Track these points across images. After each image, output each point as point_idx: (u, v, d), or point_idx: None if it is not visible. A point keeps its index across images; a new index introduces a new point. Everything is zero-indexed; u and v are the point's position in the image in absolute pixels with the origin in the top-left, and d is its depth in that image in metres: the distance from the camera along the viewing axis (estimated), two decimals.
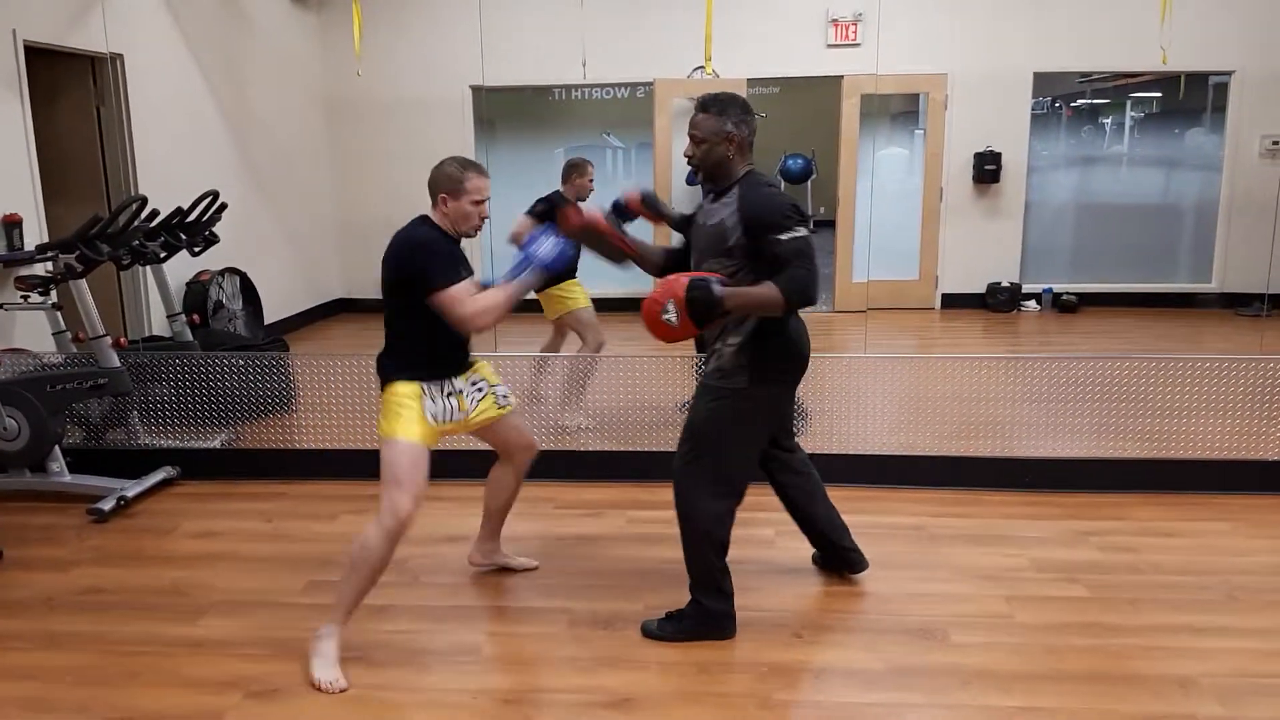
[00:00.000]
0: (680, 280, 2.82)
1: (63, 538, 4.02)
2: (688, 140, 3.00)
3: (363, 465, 4.59)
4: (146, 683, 2.89)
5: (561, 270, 2.98)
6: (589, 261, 3.72)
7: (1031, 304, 9.17)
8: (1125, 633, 3.10)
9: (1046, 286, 9.20)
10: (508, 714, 2.72)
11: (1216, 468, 4.32)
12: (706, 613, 3.07)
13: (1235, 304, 8.88)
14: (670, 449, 4.55)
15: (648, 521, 4.07)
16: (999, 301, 9.06)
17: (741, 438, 3.00)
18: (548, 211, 4.85)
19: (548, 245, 2.95)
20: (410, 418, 2.92)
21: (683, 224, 3.65)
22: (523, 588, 3.50)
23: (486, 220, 3.02)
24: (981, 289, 9.15)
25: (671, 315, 2.81)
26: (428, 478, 2.94)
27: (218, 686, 2.86)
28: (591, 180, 5.26)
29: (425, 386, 2.97)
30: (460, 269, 2.91)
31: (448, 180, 2.95)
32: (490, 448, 3.40)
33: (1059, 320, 8.79)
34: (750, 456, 3.07)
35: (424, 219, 3.00)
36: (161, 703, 2.79)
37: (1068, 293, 9.13)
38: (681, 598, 3.32)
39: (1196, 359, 4.48)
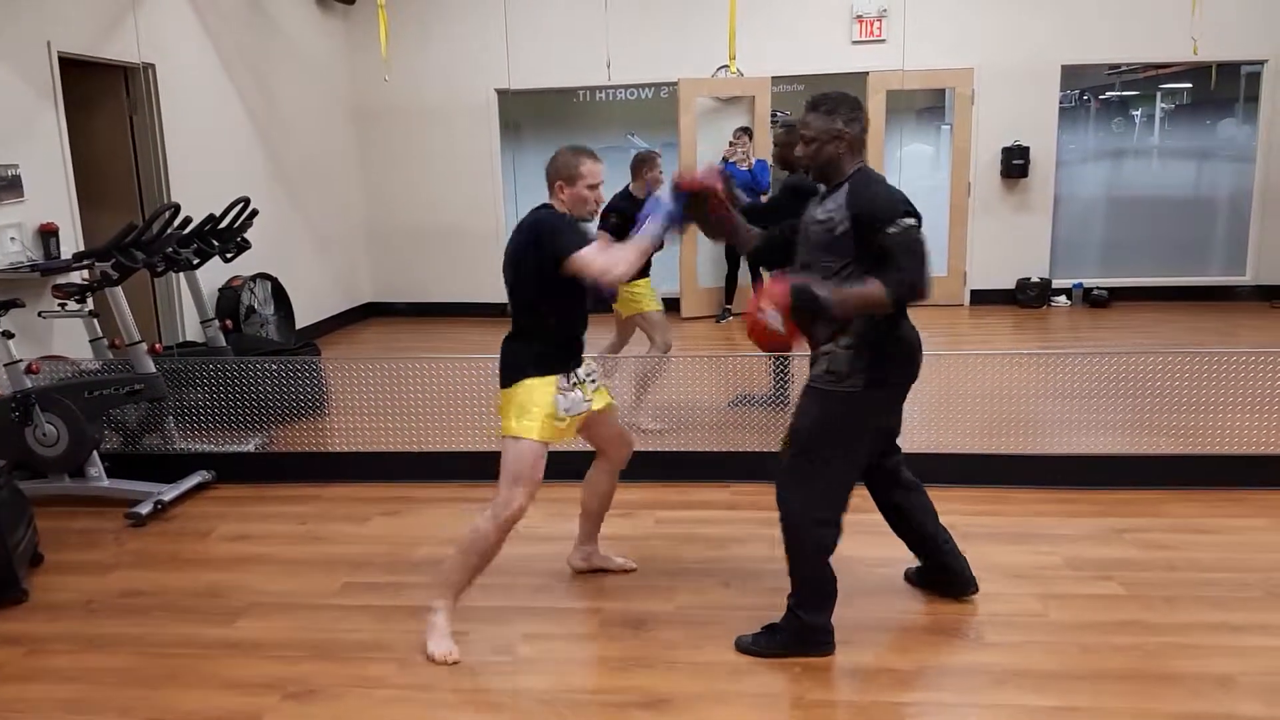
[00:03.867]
0: (781, 286, 2.74)
1: (102, 542, 4.08)
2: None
3: (395, 467, 4.66)
4: (186, 684, 2.94)
5: (682, 223, 3.03)
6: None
7: (1062, 299, 9.09)
8: (1162, 631, 3.07)
9: (1077, 281, 9.12)
10: (544, 714, 2.74)
11: (1253, 463, 4.26)
12: (803, 627, 2.97)
13: (1271, 296, 8.78)
14: (698, 449, 4.63)
15: (678, 522, 4.08)
16: (1029, 297, 8.99)
17: (852, 444, 2.94)
18: (621, 224, 4.73)
19: (666, 208, 2.97)
20: (539, 416, 2.99)
21: (752, 216, 3.62)
22: (556, 589, 3.51)
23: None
24: (1011, 284, 9.09)
25: (777, 323, 2.74)
26: (542, 475, 3.05)
27: (256, 688, 2.90)
28: (661, 172, 5.12)
29: (559, 380, 3.04)
30: (586, 235, 3.00)
31: (564, 168, 3.03)
32: (586, 446, 3.43)
33: (1090, 315, 8.70)
34: (858, 463, 3.00)
35: (544, 206, 3.08)
36: (201, 704, 2.82)
37: (1098, 287, 9.05)
38: (711, 598, 3.34)
39: (1231, 353, 4.43)
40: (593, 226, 3.40)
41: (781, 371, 4.83)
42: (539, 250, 2.96)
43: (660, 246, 3.05)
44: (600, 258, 2.91)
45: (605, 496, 3.47)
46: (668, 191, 3.00)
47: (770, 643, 3.01)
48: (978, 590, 3.31)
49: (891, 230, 2.72)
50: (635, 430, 4.84)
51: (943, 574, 3.32)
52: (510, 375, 3.06)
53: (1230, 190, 9.16)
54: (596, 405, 3.19)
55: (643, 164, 5.15)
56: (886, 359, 2.87)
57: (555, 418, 3.02)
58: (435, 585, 3.14)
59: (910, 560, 3.41)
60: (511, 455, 3.01)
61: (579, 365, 3.14)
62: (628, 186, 5.18)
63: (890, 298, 2.72)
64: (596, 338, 5.61)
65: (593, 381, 3.20)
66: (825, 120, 2.88)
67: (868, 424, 2.96)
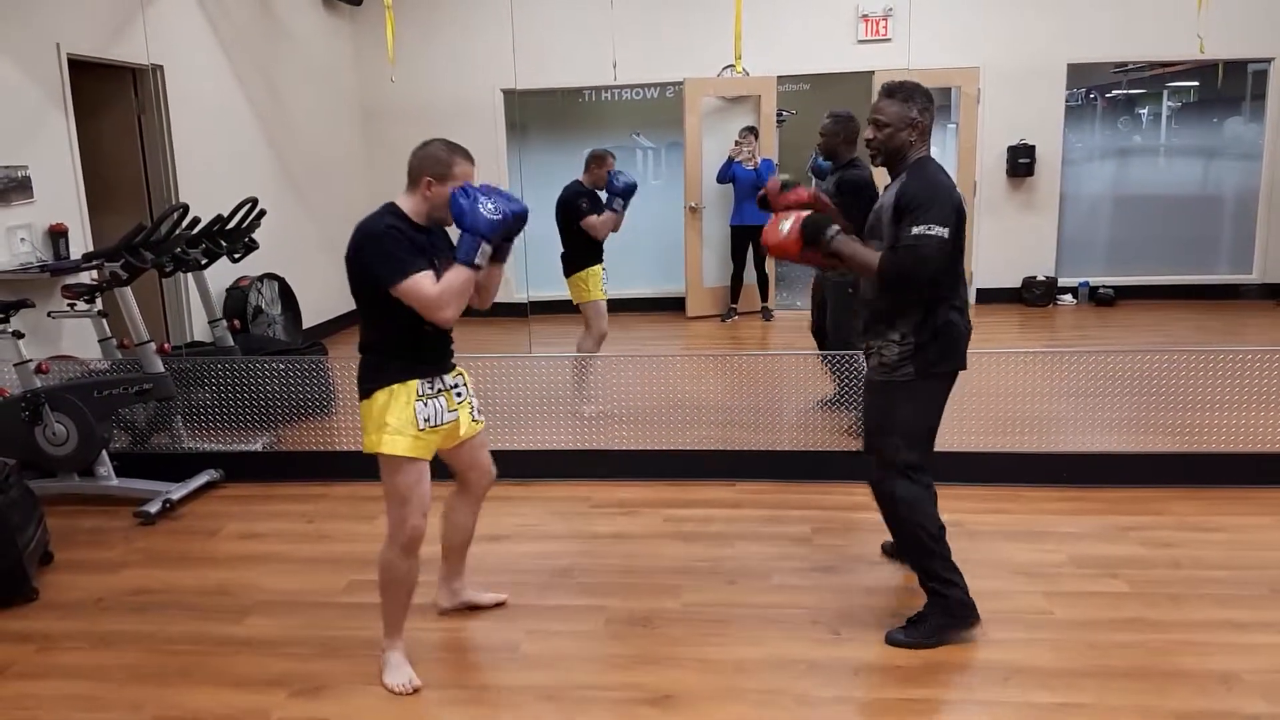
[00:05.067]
0: (804, 212, 3.02)
1: (111, 540, 4.11)
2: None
3: None
4: (195, 681, 2.96)
5: (509, 230, 2.69)
6: (640, 263, 3.69)
7: (1068, 298, 9.08)
8: (1167, 628, 3.08)
9: (1083, 280, 9.10)
10: (548, 711, 2.75)
11: (1258, 461, 4.26)
12: (948, 603, 3.01)
13: (1278, 295, 8.75)
14: (704, 448, 4.63)
15: (683, 520, 4.09)
16: (1035, 296, 8.98)
17: (917, 425, 3.02)
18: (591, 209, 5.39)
19: (486, 209, 2.63)
20: (399, 428, 2.74)
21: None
22: (560, 586, 3.53)
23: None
24: (1017, 283, 9.07)
25: (785, 227, 3.00)
26: (429, 489, 2.82)
27: (264, 685, 2.92)
28: (609, 171, 5.43)
29: (419, 386, 2.78)
30: (417, 257, 2.66)
31: (436, 164, 2.73)
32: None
33: (1096, 314, 8.69)
34: (927, 441, 3.07)
35: (389, 208, 2.76)
36: (210, 701, 2.84)
37: (1105, 286, 9.03)
38: (717, 596, 3.35)
39: (1237, 351, 4.42)
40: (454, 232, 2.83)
41: (841, 372, 4.74)
42: (361, 267, 2.70)
43: (478, 269, 2.66)
44: (431, 291, 2.62)
45: (465, 531, 3.18)
46: (486, 200, 2.65)
47: (924, 631, 3.02)
48: None
49: (916, 230, 2.79)
50: (578, 417, 4.95)
51: None
52: (364, 387, 2.80)
53: (1237, 189, 9.13)
54: (463, 419, 2.92)
55: (593, 160, 5.49)
56: (936, 350, 2.93)
57: (416, 431, 2.75)
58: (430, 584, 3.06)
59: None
60: (388, 474, 2.78)
61: (445, 372, 2.88)
62: (578, 180, 5.53)
63: (880, 273, 2.86)
64: (565, 339, 5.70)
65: (458, 395, 2.91)
66: (901, 107, 2.95)
67: (927, 408, 3.02)
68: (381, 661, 2.94)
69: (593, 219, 5.37)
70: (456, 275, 2.66)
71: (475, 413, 3.02)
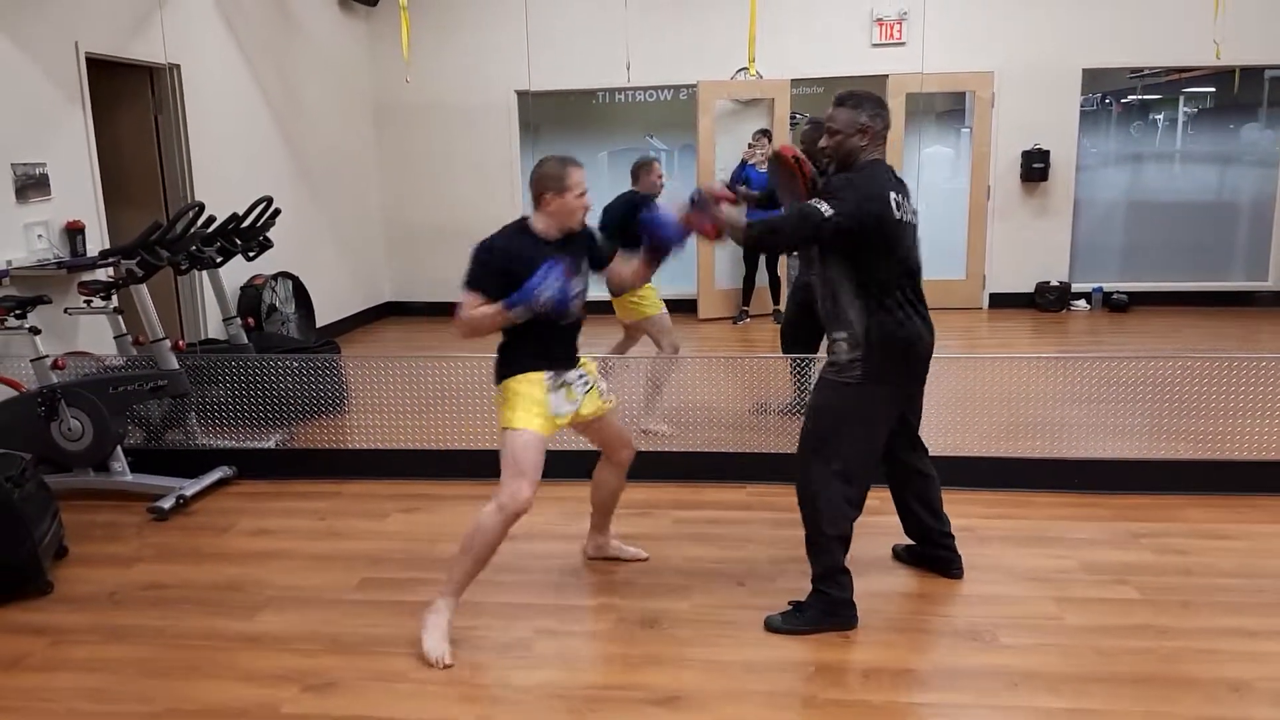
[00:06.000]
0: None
1: (125, 535, 4.14)
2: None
3: (414, 464, 4.70)
4: (206, 675, 2.98)
5: (554, 313, 2.97)
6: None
7: (1081, 303, 9.05)
8: (1177, 635, 3.07)
9: (1097, 285, 9.08)
10: (558, 710, 2.76)
11: (1272, 469, 4.24)
12: (830, 601, 3.10)
13: None
14: (715, 450, 4.64)
15: (694, 521, 4.10)
16: (1048, 301, 8.96)
17: (855, 431, 3.06)
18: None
19: (551, 286, 2.91)
20: (530, 408, 3.03)
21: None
22: (572, 586, 3.54)
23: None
24: (1030, 288, 9.06)
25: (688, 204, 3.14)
26: (542, 464, 3.05)
27: (275, 680, 2.94)
28: (660, 177, 5.30)
29: (545, 378, 3.07)
30: (486, 279, 2.97)
31: (553, 180, 3.04)
32: (592, 446, 3.51)
33: (1110, 319, 8.66)
34: (866, 451, 3.10)
35: (517, 225, 3.11)
36: (221, 695, 2.86)
37: (1118, 291, 9.00)
38: (726, 598, 3.35)
39: (1251, 358, 4.40)
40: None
41: (801, 378, 4.84)
42: None
43: (510, 320, 2.98)
44: (464, 311, 2.98)
45: (613, 493, 3.55)
46: (556, 278, 2.89)
47: (799, 620, 3.12)
48: (962, 574, 3.45)
49: (815, 200, 2.95)
50: (642, 433, 4.91)
51: (933, 561, 3.52)
52: (499, 373, 3.13)
53: (1253, 195, 9.09)
54: (586, 409, 3.21)
55: (641, 168, 5.30)
56: (883, 353, 2.99)
57: (545, 413, 3.06)
58: (440, 582, 3.12)
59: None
60: (511, 446, 3.03)
61: (569, 367, 3.17)
62: (634, 190, 5.25)
63: (747, 234, 3.12)
64: (602, 338, 5.70)
65: (585, 385, 3.21)
66: (851, 114, 3.05)
67: (871, 413, 3.06)
68: (427, 615, 3.04)
69: None
70: (485, 313, 2.98)
71: (604, 395, 3.32)
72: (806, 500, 3.10)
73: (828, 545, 3.09)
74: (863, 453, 3.08)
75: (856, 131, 3.03)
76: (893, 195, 2.98)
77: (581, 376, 3.22)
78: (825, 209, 2.89)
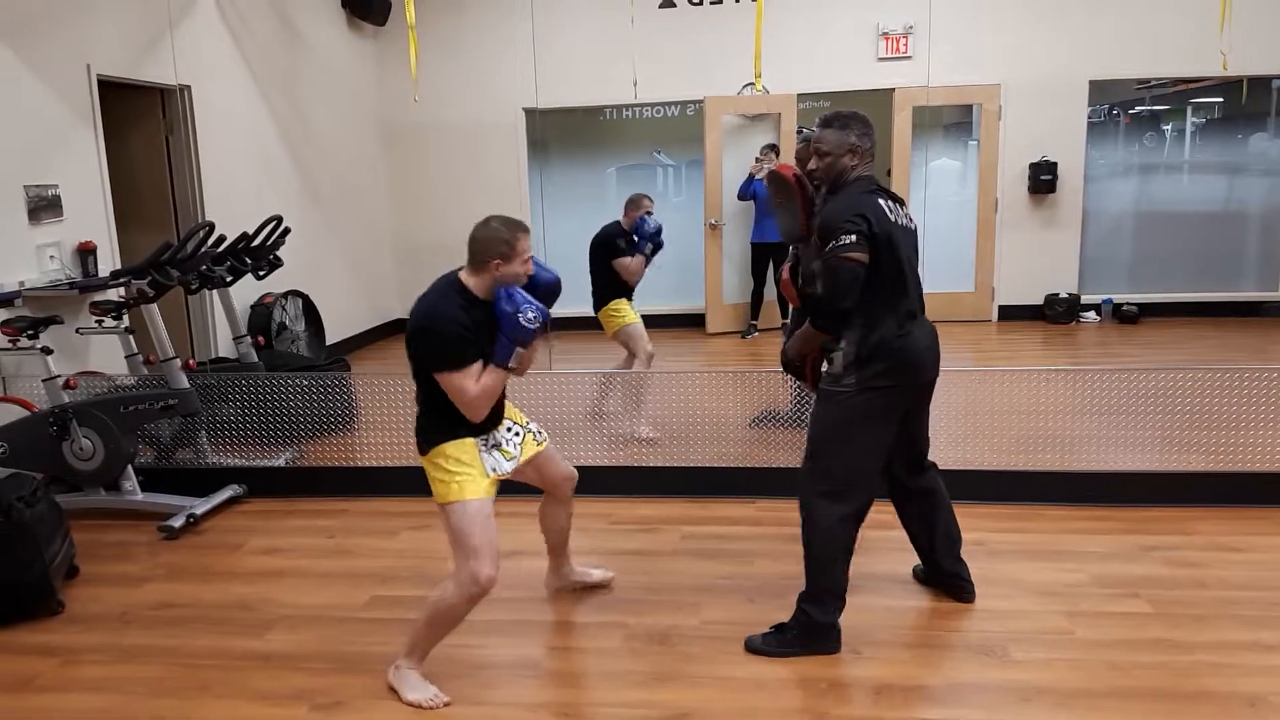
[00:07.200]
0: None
1: (135, 554, 4.15)
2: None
3: (424, 482, 4.67)
4: (217, 695, 2.98)
5: (544, 329, 2.88)
6: (661, 280, 3.74)
7: (1091, 315, 9.02)
8: (1191, 649, 3.04)
9: (1106, 297, 9.05)
10: None
11: None
12: (813, 625, 3.07)
13: None
14: (724, 464, 4.63)
15: (702, 537, 4.09)
16: (1057, 313, 8.93)
17: (851, 441, 3.03)
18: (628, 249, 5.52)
19: (526, 319, 2.80)
20: (470, 476, 2.87)
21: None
22: (580, 603, 3.53)
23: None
24: (1039, 300, 9.03)
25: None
26: (497, 534, 2.88)
27: (285, 699, 2.94)
28: (649, 212, 5.61)
29: (476, 443, 2.93)
30: (468, 350, 2.81)
31: (503, 245, 2.82)
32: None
33: (1119, 331, 8.63)
34: (864, 464, 3.06)
35: (455, 285, 2.89)
36: (231, 714, 2.87)
37: (1128, 303, 8.97)
38: (736, 614, 3.34)
39: (1263, 370, 4.38)
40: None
41: (800, 390, 4.84)
42: (417, 348, 2.86)
43: (511, 370, 2.88)
44: (472, 391, 2.79)
45: (564, 528, 3.45)
46: (528, 309, 2.81)
47: (779, 641, 3.09)
48: (974, 599, 3.40)
49: (826, 250, 2.92)
50: (634, 440, 4.98)
51: (946, 588, 3.48)
52: (424, 442, 2.93)
53: (1262, 205, 9.06)
54: (525, 456, 3.10)
55: (630, 204, 5.60)
56: (876, 362, 2.98)
57: (483, 472, 2.90)
58: (402, 644, 3.00)
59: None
60: (457, 524, 2.84)
61: (496, 425, 3.02)
62: (618, 222, 5.60)
63: (818, 326, 3.04)
64: (594, 354, 5.73)
65: (518, 437, 3.08)
66: (840, 135, 3.06)
67: (867, 423, 3.03)
68: (393, 678, 2.95)
69: (626, 261, 5.47)
70: (492, 379, 2.85)
71: (537, 436, 3.20)
72: (802, 519, 3.09)
73: (820, 565, 3.06)
74: (855, 468, 3.03)
75: (847, 151, 3.05)
76: (882, 201, 3.00)
77: (510, 429, 3.08)
78: (844, 239, 2.88)
